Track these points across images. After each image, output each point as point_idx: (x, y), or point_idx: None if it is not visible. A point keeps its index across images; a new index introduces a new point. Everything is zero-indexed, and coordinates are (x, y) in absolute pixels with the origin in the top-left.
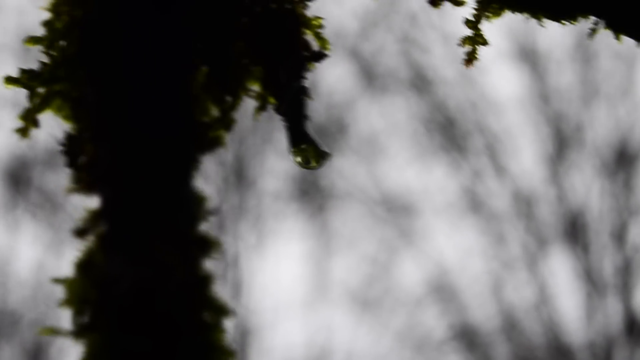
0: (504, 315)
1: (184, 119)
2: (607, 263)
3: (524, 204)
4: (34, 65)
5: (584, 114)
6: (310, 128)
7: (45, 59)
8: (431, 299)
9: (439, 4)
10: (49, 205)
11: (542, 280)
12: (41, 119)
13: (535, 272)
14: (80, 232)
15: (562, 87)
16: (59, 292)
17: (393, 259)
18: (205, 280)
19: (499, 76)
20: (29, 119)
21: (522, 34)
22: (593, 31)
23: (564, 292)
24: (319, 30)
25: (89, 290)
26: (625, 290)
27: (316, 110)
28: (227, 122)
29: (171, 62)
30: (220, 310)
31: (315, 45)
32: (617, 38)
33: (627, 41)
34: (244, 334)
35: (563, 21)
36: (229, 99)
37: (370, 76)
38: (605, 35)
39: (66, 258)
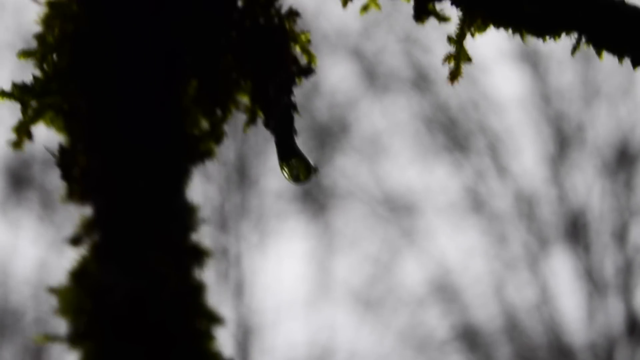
0: (506, 315)
1: (174, 131)
2: (609, 263)
3: (526, 204)
4: (34, 65)
5: (585, 114)
6: (299, 143)
7: (38, 73)
8: (433, 298)
9: (425, 20)
10: (50, 203)
11: (543, 280)
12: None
13: (537, 272)
14: (74, 241)
15: (563, 87)
16: (54, 301)
17: (395, 258)
18: (197, 289)
19: (501, 76)
20: (23, 132)
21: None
22: (575, 47)
23: (565, 292)
24: (307, 45)
25: (83, 299)
26: (626, 290)
27: (319, 109)
28: (217, 135)
29: (161, 74)
30: (213, 318)
31: (303, 60)
32: (599, 54)
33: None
34: (247, 333)
35: (546, 37)
36: (219, 111)
37: (372, 76)
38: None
39: (67, 256)
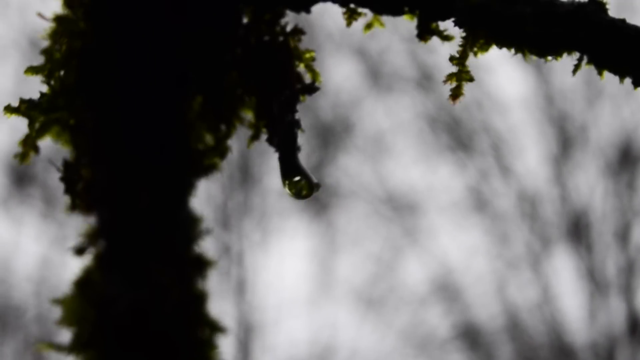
0: (507, 314)
1: (179, 145)
2: (610, 263)
3: (528, 204)
4: (38, 63)
5: (588, 114)
6: (302, 159)
7: (45, 89)
8: (435, 297)
9: (428, 39)
10: (52, 200)
11: (545, 279)
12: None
13: (539, 271)
14: (79, 251)
15: (567, 87)
16: (58, 310)
17: (397, 257)
18: (200, 299)
19: (504, 76)
20: (29, 145)
21: None
22: (576, 67)
23: (567, 292)
24: (311, 63)
25: (87, 308)
26: (628, 290)
27: (322, 108)
28: (221, 150)
29: (167, 90)
30: (215, 327)
31: (307, 77)
32: (600, 74)
33: None
34: (248, 330)
35: (548, 57)
36: (223, 127)
37: (376, 75)
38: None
39: (69, 254)
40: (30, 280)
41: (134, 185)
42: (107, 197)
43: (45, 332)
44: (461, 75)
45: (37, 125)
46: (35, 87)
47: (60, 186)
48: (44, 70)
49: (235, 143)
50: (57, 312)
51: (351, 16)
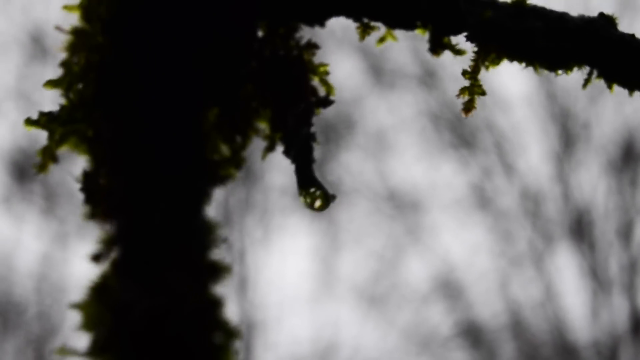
0: (510, 312)
1: (195, 156)
2: (613, 261)
3: (531, 202)
4: (39, 61)
5: (590, 111)
6: (317, 172)
7: (63, 101)
8: (437, 295)
9: (440, 53)
10: (53, 197)
11: (548, 277)
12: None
13: (542, 269)
14: (95, 257)
15: (569, 85)
16: (76, 315)
17: (400, 255)
18: (215, 304)
19: (507, 74)
20: (48, 156)
21: None
22: (587, 81)
23: (569, 290)
24: (326, 77)
25: (103, 314)
26: (631, 288)
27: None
28: (237, 161)
29: (183, 102)
30: (230, 333)
31: (322, 90)
32: (610, 87)
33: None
34: (250, 328)
35: (558, 71)
36: (239, 138)
37: (379, 72)
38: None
39: (70, 250)
40: (31, 277)
41: (151, 194)
42: (124, 205)
43: (46, 329)
44: (473, 89)
45: (56, 137)
46: (35, 86)
47: (61, 184)
48: (63, 83)
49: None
50: (76, 316)
51: (365, 30)
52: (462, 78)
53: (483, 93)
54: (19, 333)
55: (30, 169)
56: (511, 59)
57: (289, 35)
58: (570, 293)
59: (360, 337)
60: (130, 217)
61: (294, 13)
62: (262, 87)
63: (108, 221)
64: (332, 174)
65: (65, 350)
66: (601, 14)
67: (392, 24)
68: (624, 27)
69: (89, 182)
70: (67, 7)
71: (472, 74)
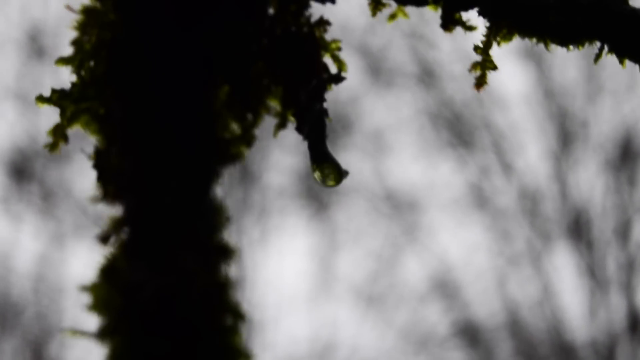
0: (508, 311)
1: (205, 134)
2: (611, 260)
3: (529, 201)
4: (37, 60)
5: (588, 110)
6: (330, 147)
7: (74, 79)
8: (435, 295)
9: (452, 29)
10: (51, 197)
11: (545, 276)
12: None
13: (539, 268)
14: (103, 239)
15: (567, 83)
16: (86, 297)
17: (397, 255)
18: (224, 286)
19: (505, 72)
20: (59, 134)
21: None
22: (598, 56)
23: (567, 289)
24: (337, 53)
25: (113, 295)
26: (628, 287)
27: None
28: (248, 139)
29: (194, 80)
30: (238, 315)
31: (333, 67)
32: (621, 62)
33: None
34: (248, 328)
35: (570, 46)
36: (250, 116)
37: (377, 71)
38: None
39: (68, 251)
40: (29, 278)
41: (162, 173)
42: (134, 185)
43: (44, 330)
44: (485, 64)
45: (68, 114)
46: (35, 84)
47: (59, 184)
48: (74, 60)
49: None
50: (85, 298)
51: (376, 7)
52: (459, 77)
53: (495, 68)
54: (17, 333)
55: (29, 169)
56: (522, 34)
57: (300, 12)
58: (567, 292)
59: (358, 337)
60: (140, 197)
61: None
62: (274, 64)
63: (117, 202)
64: None
65: (74, 333)
66: None
67: (403, 1)
68: (635, 2)
69: (101, 159)
70: None
71: (483, 49)
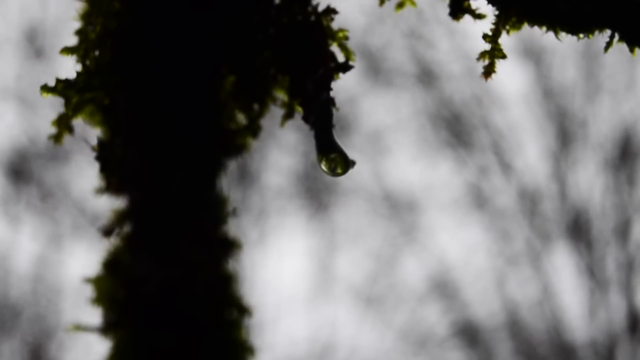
0: (507, 311)
1: (211, 125)
2: (611, 260)
3: (528, 201)
4: (36, 61)
5: (587, 109)
6: (336, 136)
7: (79, 68)
8: (434, 295)
9: (460, 17)
10: (49, 199)
11: (545, 277)
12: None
13: (539, 268)
14: (106, 232)
15: (566, 83)
16: (89, 290)
17: (396, 255)
18: (228, 280)
19: (504, 72)
20: (63, 125)
21: (526, 30)
22: (608, 44)
23: (567, 289)
24: (344, 42)
25: (116, 288)
26: (628, 287)
27: None
28: (254, 129)
29: (199, 70)
30: (242, 308)
31: (341, 56)
32: (632, 51)
33: None
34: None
35: (580, 34)
36: (256, 106)
37: (376, 71)
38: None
39: (66, 252)
40: (27, 279)
41: (165, 165)
42: (138, 176)
43: (42, 331)
44: (494, 53)
45: (72, 104)
46: (34, 85)
47: (58, 186)
48: (79, 50)
49: None
50: (88, 291)
51: None
52: (459, 77)
53: (504, 56)
54: (15, 335)
55: (27, 170)
56: (532, 22)
57: (306, 1)
58: (567, 292)
59: (357, 338)
60: (144, 189)
61: None
62: (281, 53)
63: (121, 194)
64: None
65: (77, 327)
66: None
67: None
68: None
69: (104, 150)
70: None
71: (492, 37)
